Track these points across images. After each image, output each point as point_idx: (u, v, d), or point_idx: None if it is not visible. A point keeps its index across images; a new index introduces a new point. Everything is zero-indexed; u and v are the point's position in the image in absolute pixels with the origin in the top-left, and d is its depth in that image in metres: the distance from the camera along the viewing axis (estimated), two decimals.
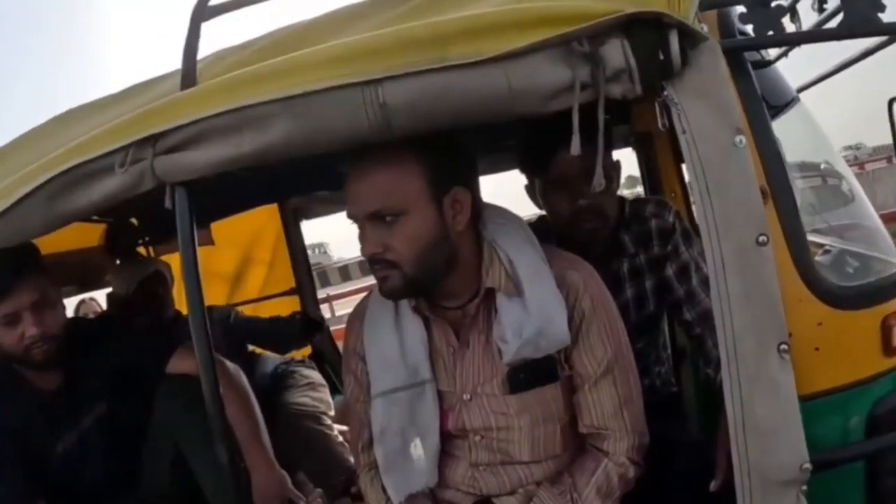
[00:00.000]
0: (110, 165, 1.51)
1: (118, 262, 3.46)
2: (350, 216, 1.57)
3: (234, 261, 3.84)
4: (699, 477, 1.62)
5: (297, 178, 2.82)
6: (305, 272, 3.78)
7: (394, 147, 1.47)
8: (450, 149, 1.58)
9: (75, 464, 2.25)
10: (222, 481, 2.03)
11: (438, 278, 1.61)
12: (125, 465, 2.32)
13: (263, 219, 3.69)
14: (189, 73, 1.51)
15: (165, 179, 1.47)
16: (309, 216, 3.74)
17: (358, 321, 1.81)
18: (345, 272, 15.75)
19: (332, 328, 4.00)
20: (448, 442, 1.73)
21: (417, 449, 1.71)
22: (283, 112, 1.32)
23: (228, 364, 2.29)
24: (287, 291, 3.77)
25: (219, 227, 3.55)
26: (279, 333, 3.36)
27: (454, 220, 1.57)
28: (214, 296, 3.73)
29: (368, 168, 1.52)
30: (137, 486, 2.32)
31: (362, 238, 1.56)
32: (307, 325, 3.36)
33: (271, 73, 1.33)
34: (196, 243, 1.54)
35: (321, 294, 5.90)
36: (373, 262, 1.55)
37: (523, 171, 2.18)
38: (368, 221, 1.53)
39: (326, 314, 4.50)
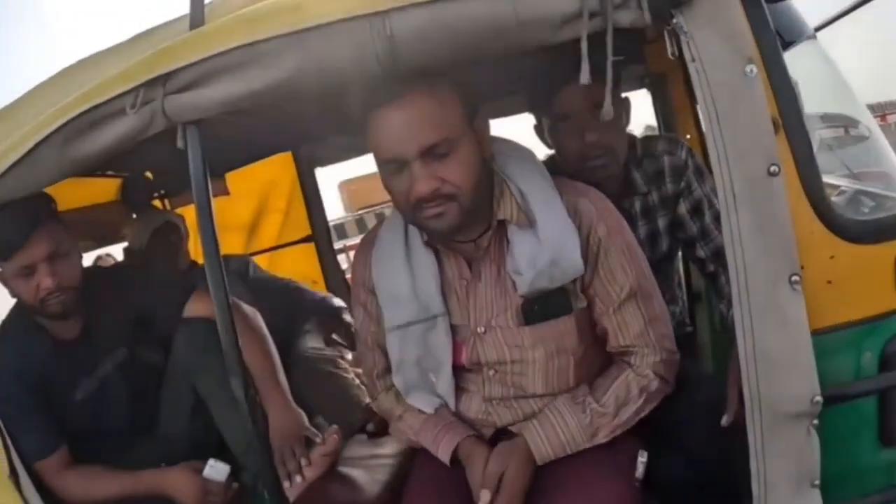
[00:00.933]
0: (121, 108, 1.52)
1: (133, 216, 3.48)
2: (392, 157, 1.51)
3: (250, 210, 3.83)
4: (712, 413, 1.63)
5: (310, 125, 2.81)
6: (321, 220, 3.78)
7: (425, 78, 1.45)
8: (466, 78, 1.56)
9: (96, 410, 2.28)
10: (240, 422, 2.09)
11: (483, 207, 1.60)
12: (145, 411, 2.35)
13: (278, 168, 3.66)
14: (197, 14, 1.51)
15: (176, 119, 1.47)
16: (323, 163, 3.72)
17: (366, 254, 1.80)
18: (362, 224, 15.73)
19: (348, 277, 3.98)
20: (461, 376, 1.75)
21: (433, 380, 1.74)
22: (291, 47, 1.32)
23: (245, 306, 2.31)
24: (303, 239, 3.78)
25: (233, 178, 3.55)
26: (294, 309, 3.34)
27: (483, 147, 1.57)
28: (231, 245, 3.74)
29: (414, 100, 1.46)
30: (157, 430, 2.36)
31: (409, 178, 1.49)
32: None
33: (279, 9, 1.33)
34: (209, 182, 1.55)
35: (337, 245, 5.89)
36: (427, 200, 1.49)
37: (531, 108, 2.17)
38: (419, 159, 1.47)
39: (343, 265, 4.48)
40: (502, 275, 1.65)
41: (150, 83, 1.47)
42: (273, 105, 1.49)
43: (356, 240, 11.21)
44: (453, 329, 1.70)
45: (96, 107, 1.58)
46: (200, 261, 3.43)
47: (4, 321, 2.33)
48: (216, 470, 2.11)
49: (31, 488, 2.09)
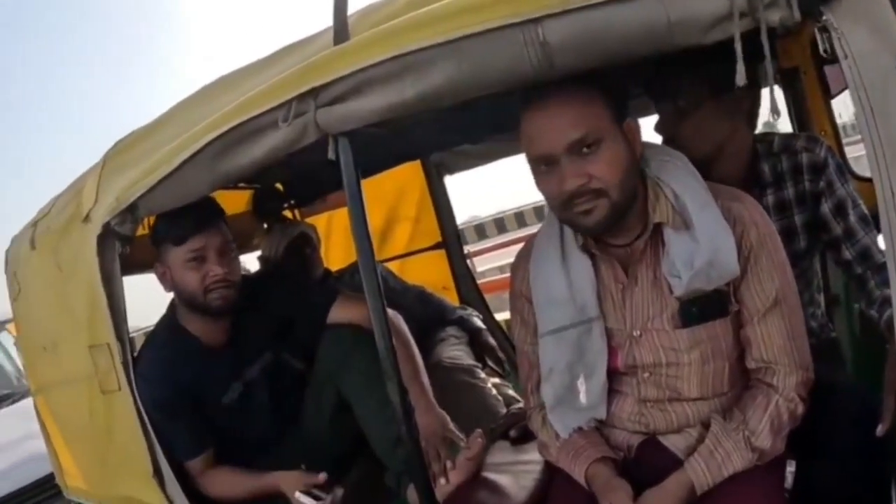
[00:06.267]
0: (273, 121, 1.58)
1: (264, 225, 3.59)
2: (541, 154, 1.53)
3: (381, 217, 3.88)
4: (860, 423, 1.58)
5: (439, 134, 2.83)
6: (451, 226, 3.80)
7: (571, 80, 1.46)
8: (613, 81, 1.57)
9: (241, 414, 2.35)
10: (386, 424, 2.10)
11: (633, 205, 1.60)
12: (287, 415, 2.41)
13: (407, 176, 3.70)
14: (341, 28, 1.55)
15: (328, 130, 1.52)
16: (451, 171, 3.74)
17: (523, 264, 1.82)
18: (480, 230, 15.80)
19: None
20: (615, 379, 1.74)
21: (583, 387, 1.72)
22: (445, 56, 1.34)
23: (389, 310, 2.35)
24: (433, 246, 3.81)
25: (365, 186, 3.60)
26: (428, 317, 3.33)
27: (634, 147, 1.58)
28: None
29: (559, 100, 1.50)
30: (299, 433, 2.41)
31: (558, 175, 1.52)
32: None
33: (430, 19, 1.35)
34: (362, 192, 1.57)
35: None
36: (576, 196, 1.52)
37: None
38: (566, 155, 1.49)
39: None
40: (658, 278, 1.64)
41: (302, 96, 1.52)
42: (408, 114, 1.51)
43: (476, 245, 11.23)
44: (608, 332, 1.70)
45: (247, 121, 1.64)
46: (333, 269, 3.53)
47: (155, 328, 2.44)
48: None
49: (175, 487, 2.18)
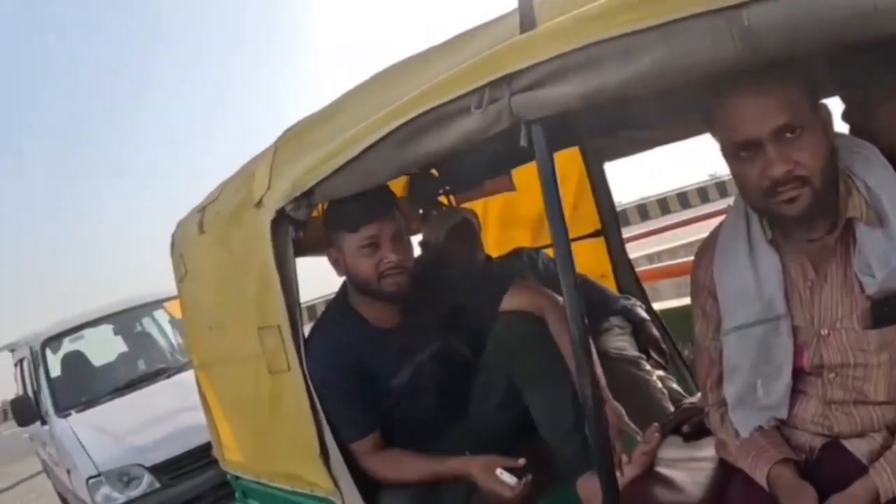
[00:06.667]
0: (464, 108, 1.58)
1: (421, 211, 3.65)
2: (746, 138, 1.51)
3: (537, 205, 3.83)
4: None
5: (600, 120, 2.78)
6: (611, 214, 3.73)
7: (771, 67, 1.42)
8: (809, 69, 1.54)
9: (409, 397, 2.38)
10: (560, 413, 2.11)
11: (832, 197, 1.55)
12: (453, 401, 2.43)
13: (565, 162, 3.64)
14: (527, 14, 1.52)
15: (523, 117, 1.50)
16: (611, 157, 3.66)
17: (707, 256, 1.79)
18: (623, 217, 15.62)
19: None
20: (800, 379, 1.68)
21: (766, 386, 1.68)
22: (651, 41, 1.30)
23: (560, 298, 2.33)
24: (592, 233, 3.74)
25: (519, 174, 3.58)
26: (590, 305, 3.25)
27: (829, 135, 1.53)
28: (519, 240, 3.79)
29: (765, 85, 1.47)
30: (464, 420, 2.42)
31: (762, 161, 1.49)
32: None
33: (636, 2, 1.31)
34: (557, 179, 1.55)
35: None
36: (781, 183, 1.49)
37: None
38: (772, 140, 1.47)
39: None
40: (849, 275, 1.58)
41: (496, 82, 1.50)
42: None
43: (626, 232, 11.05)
44: (794, 331, 1.65)
45: (436, 107, 1.64)
46: (493, 254, 3.53)
47: (325, 310, 2.50)
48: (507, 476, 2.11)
49: (341, 467, 2.23)
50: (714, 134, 1.61)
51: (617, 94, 1.37)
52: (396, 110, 1.77)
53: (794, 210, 1.50)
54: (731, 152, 1.56)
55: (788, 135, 1.47)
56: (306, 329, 2.39)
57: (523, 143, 1.51)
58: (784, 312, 1.64)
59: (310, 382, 2.23)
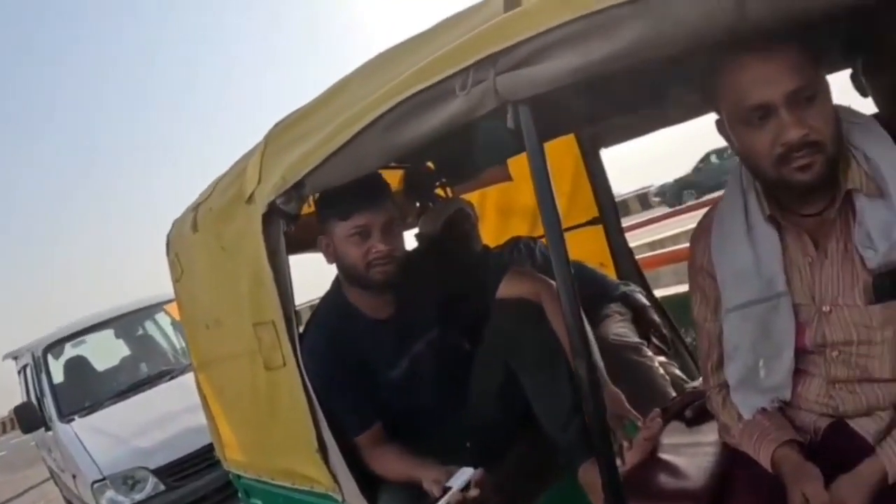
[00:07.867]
0: (449, 90, 1.55)
1: (417, 203, 3.65)
2: (759, 102, 1.46)
3: (533, 195, 3.81)
4: None
5: (593, 105, 2.74)
6: (608, 201, 3.70)
7: (772, 34, 1.40)
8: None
9: (408, 388, 2.36)
10: (558, 400, 2.08)
11: (836, 168, 1.51)
12: (451, 391, 2.40)
13: (560, 150, 3.61)
14: None
15: (509, 98, 1.46)
16: (608, 144, 3.63)
17: (704, 238, 1.76)
18: (623, 206, 15.58)
19: None
20: (802, 358, 1.65)
21: (768, 367, 1.66)
22: (636, 13, 1.26)
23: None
24: (589, 221, 3.72)
25: (515, 163, 3.57)
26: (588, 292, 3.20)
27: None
28: (516, 229, 3.78)
29: (775, 48, 1.44)
30: (464, 408, 2.40)
31: (775, 127, 1.45)
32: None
33: None
34: (546, 161, 1.52)
35: None
36: (795, 148, 1.44)
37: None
38: (786, 104, 1.43)
39: None
40: (849, 250, 1.55)
41: (480, 63, 1.47)
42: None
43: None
44: (794, 309, 1.62)
45: (421, 91, 1.62)
46: (491, 244, 3.50)
47: (320, 303, 2.47)
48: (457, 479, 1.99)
49: (339, 462, 2.21)
50: (719, 104, 1.56)
51: (605, 70, 1.33)
52: (382, 96, 1.74)
53: (808, 177, 1.46)
54: (743, 118, 1.50)
55: (803, 98, 1.43)
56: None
57: (510, 124, 1.48)
58: (784, 290, 1.61)
59: (306, 378, 2.21)
